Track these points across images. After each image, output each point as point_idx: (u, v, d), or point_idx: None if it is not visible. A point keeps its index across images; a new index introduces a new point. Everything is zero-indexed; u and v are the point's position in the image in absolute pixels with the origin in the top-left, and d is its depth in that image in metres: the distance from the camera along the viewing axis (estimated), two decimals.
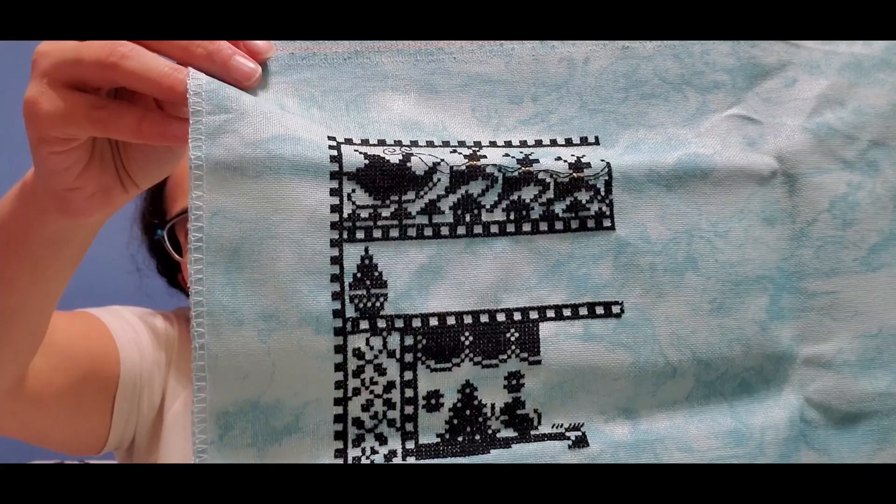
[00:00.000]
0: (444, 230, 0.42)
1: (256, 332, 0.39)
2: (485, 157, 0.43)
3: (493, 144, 0.44)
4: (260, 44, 0.41)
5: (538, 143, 0.44)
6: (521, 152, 0.43)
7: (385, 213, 0.41)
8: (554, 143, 0.44)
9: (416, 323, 0.41)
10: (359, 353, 0.40)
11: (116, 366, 0.67)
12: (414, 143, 0.43)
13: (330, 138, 0.41)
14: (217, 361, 0.38)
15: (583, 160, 0.44)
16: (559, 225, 0.43)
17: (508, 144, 0.44)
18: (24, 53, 0.45)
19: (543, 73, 0.45)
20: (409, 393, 0.41)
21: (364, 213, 0.41)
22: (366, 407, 0.40)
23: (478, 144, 0.43)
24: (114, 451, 0.71)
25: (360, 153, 0.41)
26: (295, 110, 0.42)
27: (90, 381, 0.63)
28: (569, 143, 0.44)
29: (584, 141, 0.45)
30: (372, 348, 0.40)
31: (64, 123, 0.39)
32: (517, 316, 0.42)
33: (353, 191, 0.41)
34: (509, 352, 0.42)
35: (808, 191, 0.46)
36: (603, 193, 0.44)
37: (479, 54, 0.44)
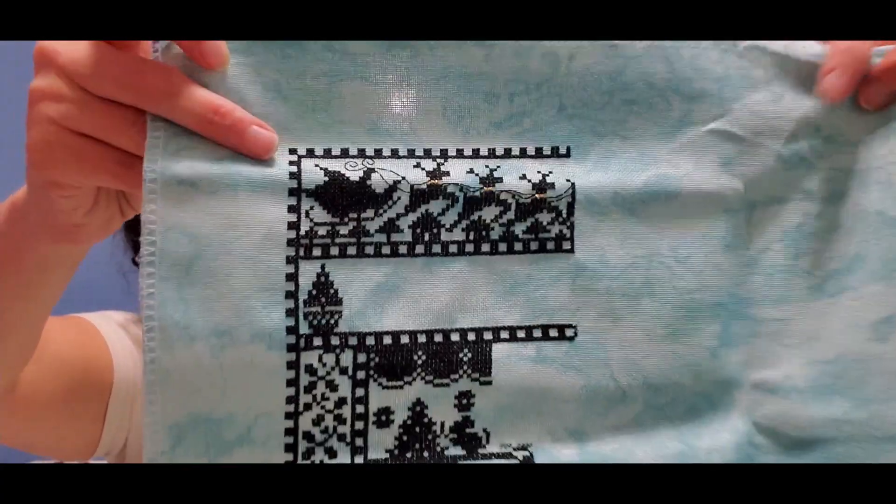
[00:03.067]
0: (403, 249, 0.42)
1: (209, 348, 0.39)
2: (447, 173, 0.43)
3: (459, 154, 0.43)
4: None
5: (507, 153, 0.44)
6: (487, 167, 0.43)
7: (343, 230, 0.42)
8: (524, 152, 0.44)
9: (370, 341, 0.41)
10: (311, 370, 0.41)
11: (110, 373, 0.67)
12: (378, 153, 0.42)
13: (291, 151, 0.41)
14: (169, 376, 0.39)
15: (548, 179, 0.44)
16: (518, 246, 0.43)
17: (476, 154, 0.44)
18: (23, 53, 0.44)
19: (524, 69, 0.44)
20: (360, 409, 0.41)
21: (322, 231, 0.41)
22: (316, 421, 0.41)
23: (444, 154, 0.43)
24: (104, 455, 0.71)
25: (321, 169, 0.41)
26: (257, 106, 0.41)
27: (83, 389, 0.63)
28: (539, 153, 0.44)
29: (555, 152, 0.44)
30: (324, 365, 0.41)
31: (79, 172, 0.39)
32: (471, 336, 0.43)
33: (312, 208, 0.41)
34: (461, 371, 0.42)
35: (764, 220, 0.46)
36: (565, 215, 0.44)
37: (458, 44, 0.43)
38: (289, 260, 0.41)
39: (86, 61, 0.38)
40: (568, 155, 0.44)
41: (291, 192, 0.41)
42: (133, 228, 0.78)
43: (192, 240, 0.39)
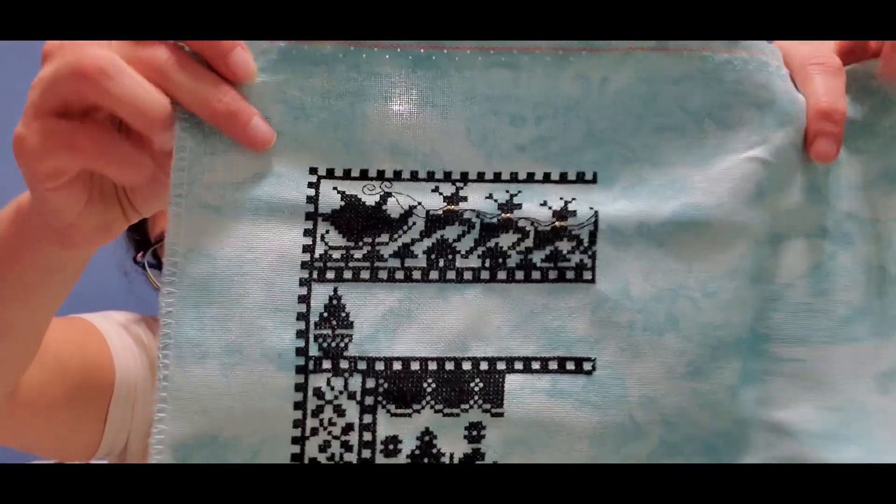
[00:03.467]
0: (416, 274, 0.42)
1: (219, 366, 0.40)
2: (465, 199, 0.42)
3: (480, 178, 0.43)
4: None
5: (530, 178, 0.43)
6: (507, 192, 0.43)
7: (357, 254, 0.42)
8: (547, 177, 0.43)
9: (379, 366, 0.41)
10: (319, 393, 0.40)
11: (111, 374, 0.68)
12: (397, 175, 0.42)
13: (311, 171, 0.42)
14: (179, 393, 0.40)
15: (569, 207, 0.42)
16: (536, 275, 0.42)
17: (497, 178, 0.43)
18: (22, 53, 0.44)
19: (553, 91, 0.42)
20: (367, 436, 0.41)
21: (336, 254, 0.41)
22: (323, 448, 0.41)
23: (464, 178, 0.43)
24: (105, 456, 0.72)
25: (338, 192, 0.42)
26: (280, 124, 0.41)
27: (85, 391, 0.65)
28: (563, 178, 0.43)
29: (580, 177, 0.43)
30: (332, 388, 0.41)
31: (44, 154, 0.39)
32: (483, 366, 0.42)
33: (327, 231, 0.41)
34: (472, 402, 0.41)
35: (792, 253, 0.44)
36: (586, 244, 0.42)
37: (484, 62, 0.42)
38: (302, 282, 0.41)
39: (93, 45, 0.38)
40: (594, 181, 0.43)
41: (308, 216, 0.41)
42: (135, 227, 0.78)
43: (210, 260, 0.40)
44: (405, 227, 0.42)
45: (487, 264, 0.42)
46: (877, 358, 0.43)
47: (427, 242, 0.42)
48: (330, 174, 0.42)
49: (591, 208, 0.43)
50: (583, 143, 0.43)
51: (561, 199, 0.43)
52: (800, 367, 0.44)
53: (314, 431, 0.40)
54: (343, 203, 0.41)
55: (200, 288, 0.40)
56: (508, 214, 0.42)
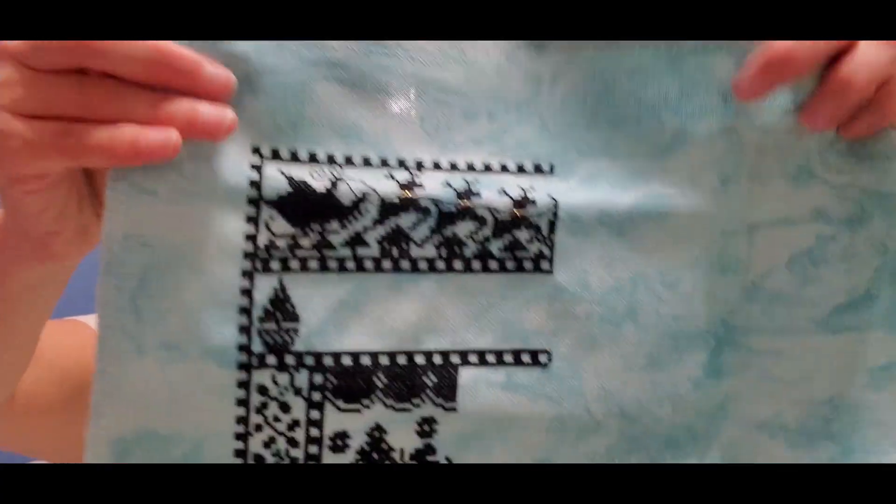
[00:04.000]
0: (369, 264, 0.40)
1: (157, 362, 0.37)
2: (421, 185, 0.40)
3: (436, 166, 0.40)
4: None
5: (486, 168, 0.41)
6: (465, 180, 0.40)
7: (305, 242, 0.39)
8: (504, 168, 0.41)
9: (328, 361, 0.39)
10: (263, 389, 0.38)
11: None
12: (348, 161, 0.39)
13: (254, 151, 0.38)
14: (117, 388, 0.37)
15: (529, 195, 0.40)
16: (494, 265, 0.41)
17: (454, 167, 0.40)
18: None
19: (505, 89, 0.40)
20: (314, 432, 0.39)
21: (281, 243, 0.39)
22: (268, 444, 0.39)
23: (419, 165, 0.40)
24: None
25: (285, 176, 0.38)
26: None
27: (82, 395, 0.62)
28: (521, 169, 0.41)
29: (537, 169, 0.41)
30: (277, 385, 0.39)
31: (33, 157, 0.36)
32: (437, 359, 0.40)
33: (272, 218, 0.38)
34: (424, 396, 0.40)
35: (769, 242, 0.42)
36: (545, 234, 0.41)
37: (438, 58, 0.40)
38: (244, 273, 0.38)
39: (30, 42, 0.35)
40: (552, 172, 0.41)
41: (251, 202, 0.38)
42: None
43: (148, 249, 0.37)
44: (357, 215, 0.39)
45: (444, 254, 0.40)
46: (875, 350, 0.42)
47: (380, 230, 0.39)
48: (275, 156, 0.39)
49: (550, 197, 0.40)
50: (537, 136, 0.41)
51: (520, 187, 0.40)
52: (779, 359, 0.43)
53: (258, 428, 0.39)
54: (290, 188, 0.38)
55: (138, 278, 0.37)
56: (468, 202, 0.40)
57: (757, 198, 0.42)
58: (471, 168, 0.40)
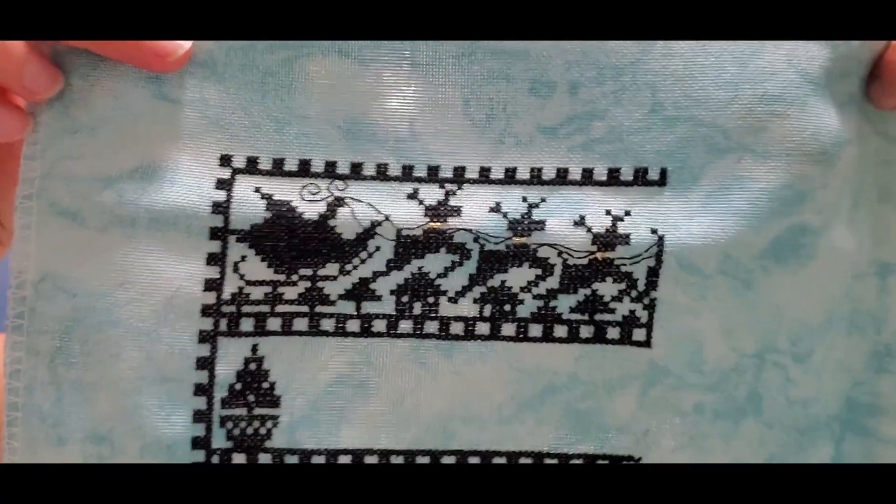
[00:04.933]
0: (379, 325, 0.28)
1: (82, 457, 0.27)
2: (457, 211, 0.28)
3: (484, 177, 0.28)
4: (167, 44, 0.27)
5: (561, 177, 0.28)
6: (525, 199, 0.28)
7: (290, 294, 0.27)
8: (588, 176, 0.28)
9: (319, 461, 0.28)
10: None
11: None
12: (356, 171, 0.28)
13: (223, 161, 0.27)
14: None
15: (619, 228, 0.28)
16: (561, 331, 0.28)
17: (511, 178, 0.28)
18: None
19: (598, 45, 0.27)
20: None
21: (257, 293, 0.27)
22: None
23: (459, 176, 0.28)
24: None
25: (263, 198, 0.27)
26: (180, 91, 0.27)
27: None
28: (614, 178, 0.28)
29: (640, 177, 0.28)
30: None
31: None
32: (474, 461, 0.28)
33: (244, 258, 0.27)
34: None
35: None
36: (642, 288, 0.28)
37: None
38: (203, 337, 0.27)
39: None
40: (662, 182, 0.28)
41: (215, 234, 0.27)
42: None
43: (70, 298, 0.27)
44: (364, 254, 0.27)
45: (487, 313, 0.28)
46: None
47: (397, 278, 0.28)
48: (251, 167, 0.27)
49: (653, 231, 0.28)
50: (646, 121, 0.28)
51: (608, 213, 0.28)
52: None
53: None
54: (269, 214, 0.27)
55: (57, 337, 0.27)
56: (523, 238, 0.27)
57: (890, 227, 0.30)
58: (537, 178, 0.28)
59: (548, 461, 0.28)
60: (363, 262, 0.27)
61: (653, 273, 0.28)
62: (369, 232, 0.27)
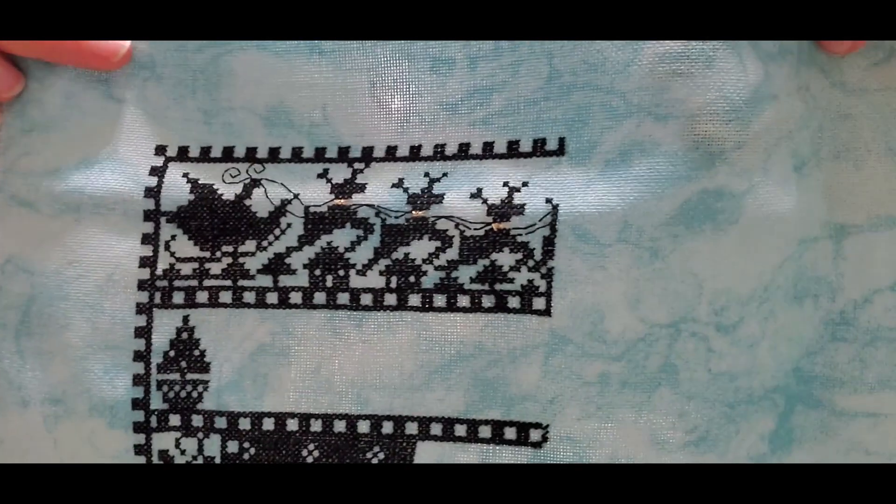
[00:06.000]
0: (296, 297, 0.30)
1: (43, 418, 0.31)
2: (362, 188, 0.29)
3: (390, 154, 0.29)
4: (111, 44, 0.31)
5: (463, 151, 0.29)
6: (427, 175, 0.29)
7: (215, 269, 0.30)
8: (489, 149, 0.29)
9: (245, 424, 0.30)
10: (166, 457, 0.30)
11: None
12: (273, 154, 0.30)
13: (158, 150, 0.30)
14: (2, 446, 0.31)
15: (515, 198, 0.28)
16: (464, 301, 0.29)
17: (415, 154, 0.29)
18: None
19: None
20: None
21: (186, 269, 0.30)
22: None
23: (367, 155, 0.29)
24: None
25: (189, 182, 0.30)
26: (125, 91, 0.31)
27: None
28: (513, 149, 0.28)
29: (539, 147, 0.28)
30: (184, 452, 0.30)
31: None
32: (387, 427, 0.29)
33: (174, 237, 0.30)
34: None
35: (865, 253, 0.29)
36: (538, 257, 0.28)
37: None
38: (140, 308, 0.30)
39: None
40: (561, 152, 0.28)
41: (148, 216, 0.30)
42: None
43: (29, 277, 0.31)
44: (277, 231, 0.30)
45: (394, 284, 0.29)
46: None
47: (309, 252, 0.29)
48: (182, 155, 0.30)
49: (548, 200, 0.28)
50: (543, 91, 0.28)
51: (505, 184, 0.28)
52: (878, 425, 0.30)
53: None
54: (193, 196, 0.30)
55: (20, 312, 0.31)
56: (421, 211, 0.29)
57: (846, 188, 0.29)
58: (440, 153, 0.29)
59: (458, 427, 0.29)
60: (277, 238, 0.30)
61: (548, 242, 0.28)
62: (280, 210, 0.29)
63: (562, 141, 0.28)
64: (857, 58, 0.28)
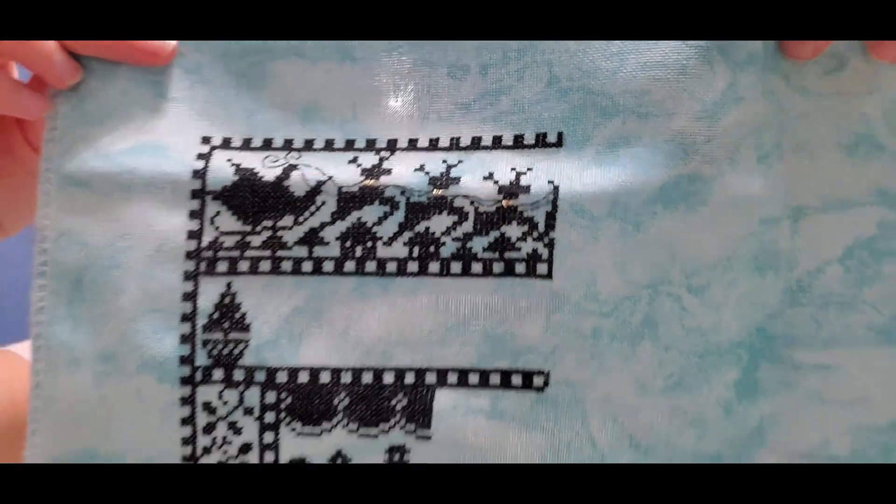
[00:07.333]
0: (328, 266, 0.34)
1: (93, 375, 0.34)
2: (388, 171, 0.34)
3: (412, 145, 0.34)
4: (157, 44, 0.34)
5: (475, 143, 0.34)
6: (444, 162, 0.34)
7: (255, 241, 0.34)
8: (497, 142, 0.34)
9: (282, 377, 0.34)
10: (209, 408, 0.34)
11: None
12: (308, 145, 0.34)
13: (204, 140, 0.34)
14: (52, 404, 0.34)
15: (521, 181, 0.33)
16: (477, 267, 0.34)
17: (434, 145, 0.34)
18: None
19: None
20: (269, 457, 0.34)
21: (229, 241, 0.34)
22: None
23: (391, 146, 0.34)
24: None
25: (233, 165, 0.34)
26: (175, 91, 0.35)
27: (13, 428, 0.60)
28: (519, 142, 0.34)
29: (540, 140, 0.34)
30: (226, 403, 0.34)
31: None
32: (409, 378, 0.34)
33: (218, 213, 0.34)
34: (393, 421, 0.34)
35: (818, 231, 0.34)
36: (542, 229, 0.33)
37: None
38: (187, 276, 0.34)
39: None
40: (559, 144, 0.33)
41: (195, 195, 0.34)
42: None
43: (83, 248, 0.34)
44: (313, 208, 0.34)
45: (416, 254, 0.34)
46: None
47: (340, 226, 0.34)
48: (226, 144, 0.34)
49: (549, 182, 0.33)
50: (544, 93, 0.34)
51: (513, 169, 0.33)
52: (829, 376, 0.35)
53: (206, 450, 0.34)
54: (237, 178, 0.34)
55: (73, 281, 0.34)
56: (441, 190, 0.33)
57: (803, 176, 0.33)
58: (455, 144, 0.34)
59: (471, 376, 0.34)
60: (312, 214, 0.34)
61: (550, 217, 0.33)
62: (316, 190, 0.34)
63: (560, 135, 0.33)
64: (815, 66, 0.34)
